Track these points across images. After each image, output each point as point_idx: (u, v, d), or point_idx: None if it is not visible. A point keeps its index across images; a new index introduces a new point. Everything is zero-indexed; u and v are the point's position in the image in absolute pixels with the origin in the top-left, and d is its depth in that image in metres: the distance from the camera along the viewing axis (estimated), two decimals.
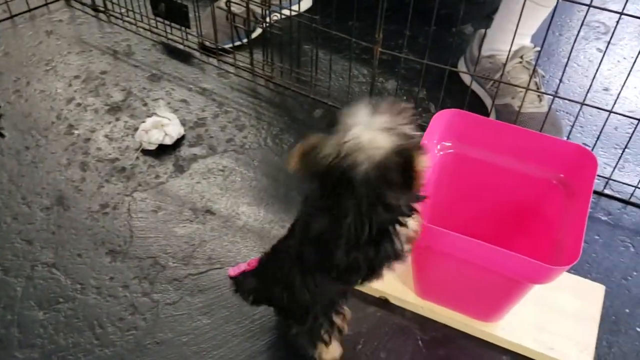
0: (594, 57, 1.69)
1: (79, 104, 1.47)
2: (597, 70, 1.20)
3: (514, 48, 1.42)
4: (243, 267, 1.11)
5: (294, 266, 0.85)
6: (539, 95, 1.42)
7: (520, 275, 0.88)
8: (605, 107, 1.24)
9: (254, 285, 0.93)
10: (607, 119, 1.25)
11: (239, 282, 0.94)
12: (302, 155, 0.73)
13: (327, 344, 0.94)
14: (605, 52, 1.19)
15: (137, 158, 1.34)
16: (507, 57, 1.29)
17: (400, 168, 0.70)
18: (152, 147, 1.34)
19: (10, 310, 1.07)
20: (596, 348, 1.03)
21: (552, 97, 1.28)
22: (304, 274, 0.84)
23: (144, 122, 1.37)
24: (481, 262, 0.89)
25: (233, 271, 1.09)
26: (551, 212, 1.02)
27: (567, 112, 1.51)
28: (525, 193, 1.05)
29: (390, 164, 0.70)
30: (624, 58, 1.68)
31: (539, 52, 1.26)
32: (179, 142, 1.38)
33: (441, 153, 1.06)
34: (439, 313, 1.07)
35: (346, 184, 0.70)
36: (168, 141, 1.35)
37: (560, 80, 1.34)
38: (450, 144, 1.06)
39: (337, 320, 0.92)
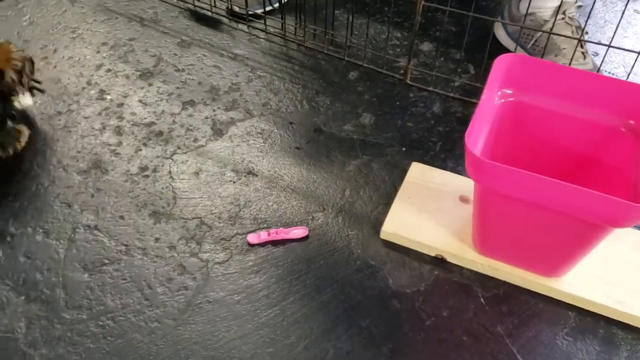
0: (632, 18, 1.65)
1: (109, 70, 1.42)
2: None
3: (555, 4, 1.38)
4: (264, 236, 1.07)
5: None
6: (583, 52, 1.37)
7: (600, 217, 0.83)
8: None
9: None
10: None
11: None
12: None
13: None
14: None
15: (174, 122, 1.30)
16: (556, 11, 1.24)
17: None
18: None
19: (55, 272, 1.03)
20: None
21: (606, 47, 1.23)
22: None
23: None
24: (555, 205, 0.85)
25: (252, 239, 1.05)
26: (620, 161, 0.97)
27: (610, 72, 1.47)
28: (591, 141, 1.01)
29: None
30: None
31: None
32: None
33: (502, 101, 1.02)
34: (500, 269, 1.03)
35: None
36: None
37: (611, 43, 1.28)
38: (511, 92, 1.02)
39: None
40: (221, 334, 0.96)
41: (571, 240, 0.91)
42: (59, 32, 1.53)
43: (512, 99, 1.02)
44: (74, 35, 1.52)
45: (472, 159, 0.86)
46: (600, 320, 0.99)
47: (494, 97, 1.01)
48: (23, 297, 0.99)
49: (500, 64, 1.00)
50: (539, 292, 1.02)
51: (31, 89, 1.26)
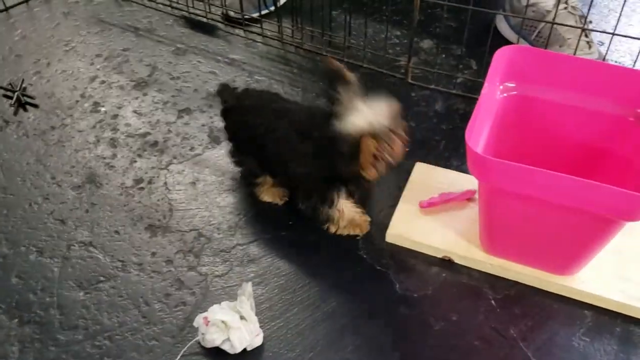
0: (636, 5, 1.60)
1: (103, 82, 1.40)
2: None
3: None
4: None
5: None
6: (588, 42, 1.33)
7: (613, 211, 0.79)
8: None
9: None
10: None
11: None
12: None
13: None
14: None
15: (169, 131, 1.27)
16: (558, 1, 1.20)
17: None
18: (206, 345, 0.93)
19: (49, 292, 1.00)
20: None
21: (610, 36, 1.18)
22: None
23: (219, 304, 0.95)
24: (565, 200, 0.81)
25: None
26: (630, 151, 0.93)
27: (616, 61, 1.42)
28: (599, 133, 0.96)
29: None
30: None
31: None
32: None
33: (504, 95, 0.98)
34: (510, 269, 0.99)
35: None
36: (227, 348, 0.92)
37: (615, 31, 1.23)
38: (513, 85, 0.98)
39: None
40: (222, 350, 0.92)
41: (583, 235, 0.87)
42: (52, 46, 1.50)
43: (515, 92, 0.98)
44: (68, 48, 1.50)
45: (473, 156, 0.82)
46: (617, 319, 0.94)
47: (496, 91, 0.97)
48: (16, 320, 0.96)
49: (501, 56, 0.96)
50: (552, 291, 0.98)
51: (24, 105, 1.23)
